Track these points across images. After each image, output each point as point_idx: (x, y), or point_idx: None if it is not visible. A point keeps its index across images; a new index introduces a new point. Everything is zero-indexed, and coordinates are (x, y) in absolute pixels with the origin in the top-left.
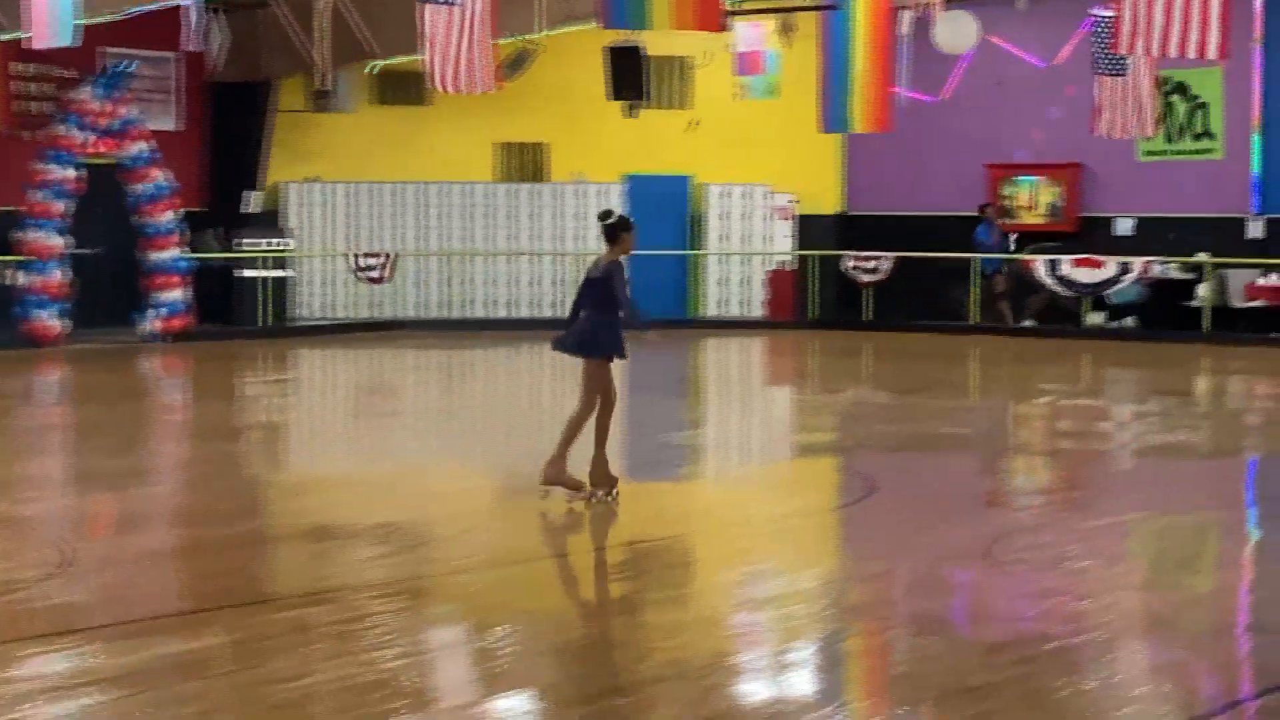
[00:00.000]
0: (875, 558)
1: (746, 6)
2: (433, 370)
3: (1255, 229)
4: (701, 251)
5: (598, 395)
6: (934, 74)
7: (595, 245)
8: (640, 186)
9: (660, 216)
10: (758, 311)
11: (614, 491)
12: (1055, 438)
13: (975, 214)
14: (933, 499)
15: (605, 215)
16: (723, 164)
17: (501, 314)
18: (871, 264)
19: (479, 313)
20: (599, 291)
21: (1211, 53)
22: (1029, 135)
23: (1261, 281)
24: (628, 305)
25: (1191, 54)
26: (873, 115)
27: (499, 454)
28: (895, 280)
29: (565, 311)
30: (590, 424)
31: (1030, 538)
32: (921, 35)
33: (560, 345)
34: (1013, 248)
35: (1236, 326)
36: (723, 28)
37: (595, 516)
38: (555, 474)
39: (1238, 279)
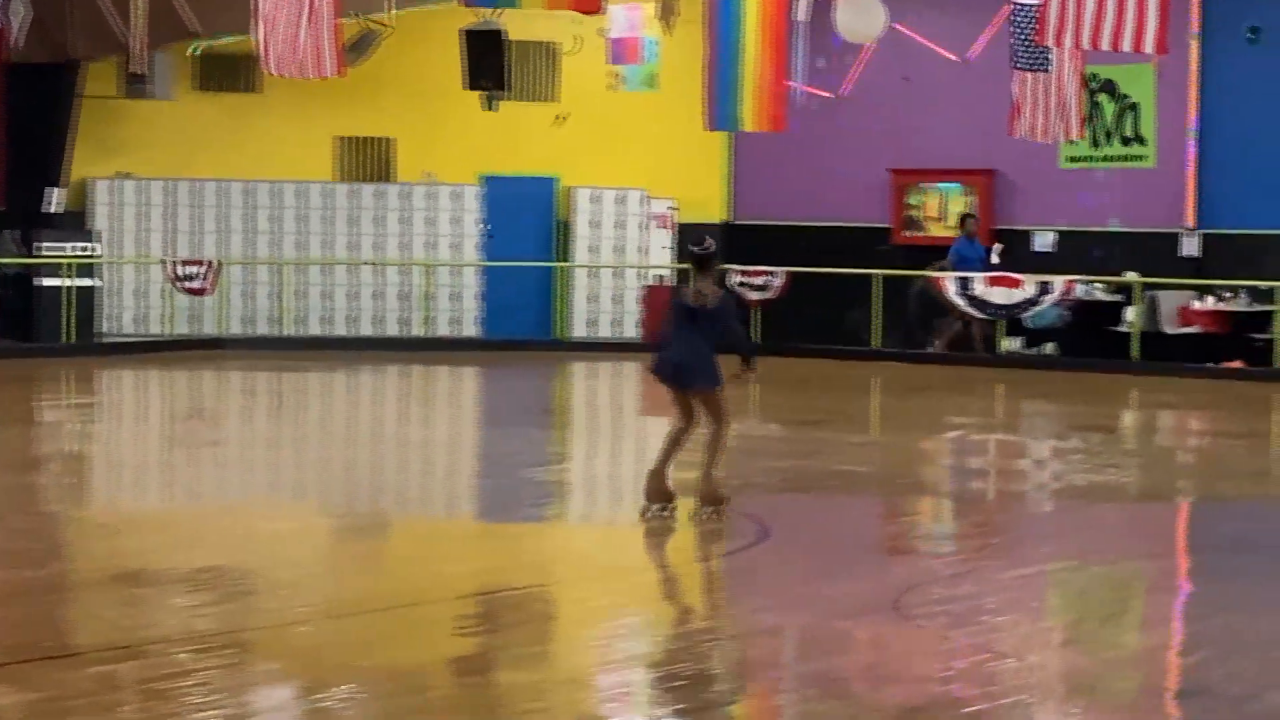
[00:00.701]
0: (767, 611)
1: None
2: (260, 394)
3: (1190, 246)
4: (568, 264)
5: (724, 413)
6: (834, 67)
7: (448, 254)
8: (499, 189)
9: (522, 223)
10: (631, 332)
11: (670, 507)
12: (968, 477)
13: (874, 228)
14: (832, 545)
15: (701, 241)
16: (593, 165)
17: (340, 331)
18: (761, 280)
19: (314, 330)
20: (711, 323)
21: (1148, 46)
22: (938, 138)
23: (1196, 305)
24: (745, 339)
25: (1126, 47)
26: (764, 112)
27: (336, 490)
28: (788, 299)
29: (412, 330)
30: (674, 439)
31: (943, 589)
32: (821, 22)
33: (681, 380)
34: (996, 262)
35: (1168, 354)
36: (599, 9)
37: (448, 561)
38: (710, 493)
39: (1170, 301)
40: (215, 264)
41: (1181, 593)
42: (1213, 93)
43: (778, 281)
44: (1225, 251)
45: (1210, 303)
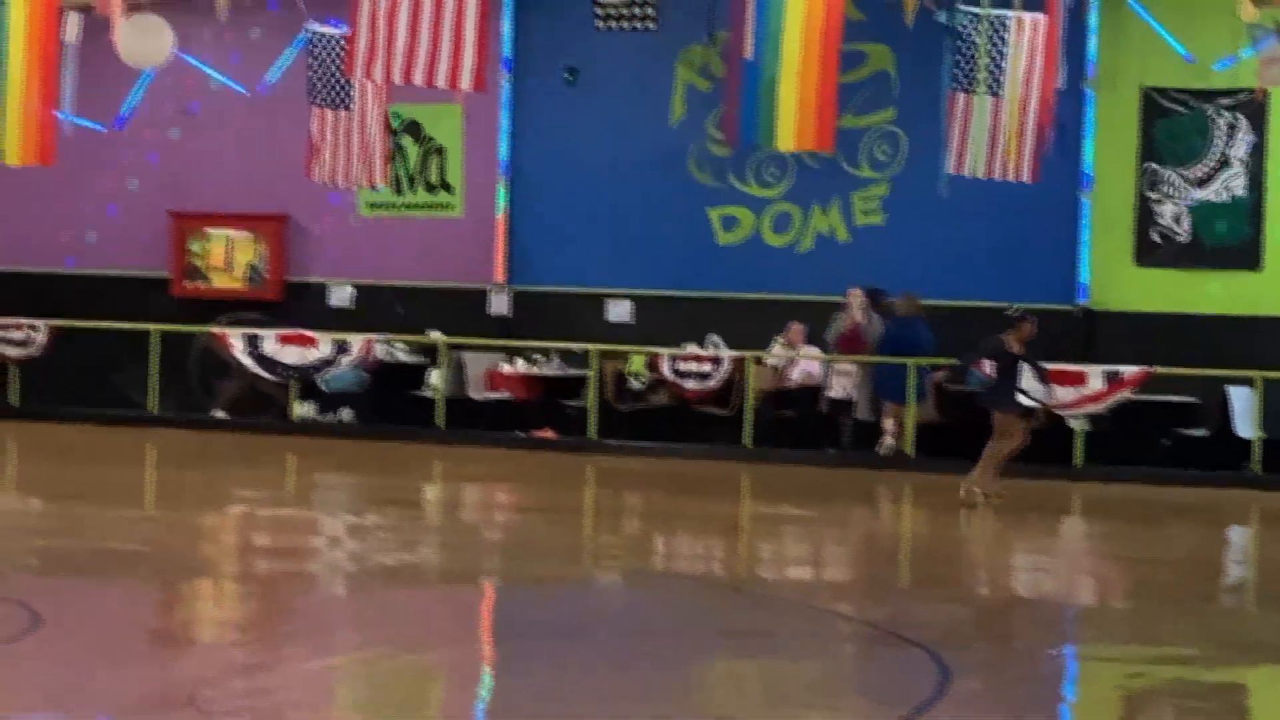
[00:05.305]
0: (41, 710)
1: None
2: None
3: (499, 304)
4: None
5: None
6: (107, 96)
7: None
8: None
9: None
10: None
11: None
12: (257, 557)
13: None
14: (112, 633)
15: (1015, 310)
16: None
17: None
18: (20, 334)
19: None
20: (1016, 364)
21: (465, 82)
22: (222, 180)
23: (505, 368)
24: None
25: (441, 83)
26: (27, 143)
27: None
28: (51, 356)
29: None
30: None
31: (243, 681)
32: (94, 44)
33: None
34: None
35: (476, 423)
36: None
37: None
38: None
39: (477, 364)
40: None
41: (492, 684)
42: (525, 136)
43: (40, 336)
44: (537, 310)
45: (521, 366)
